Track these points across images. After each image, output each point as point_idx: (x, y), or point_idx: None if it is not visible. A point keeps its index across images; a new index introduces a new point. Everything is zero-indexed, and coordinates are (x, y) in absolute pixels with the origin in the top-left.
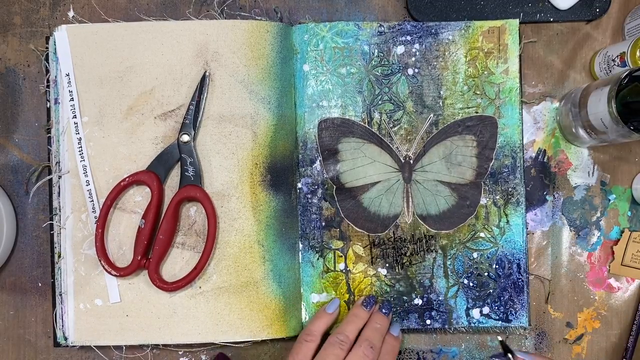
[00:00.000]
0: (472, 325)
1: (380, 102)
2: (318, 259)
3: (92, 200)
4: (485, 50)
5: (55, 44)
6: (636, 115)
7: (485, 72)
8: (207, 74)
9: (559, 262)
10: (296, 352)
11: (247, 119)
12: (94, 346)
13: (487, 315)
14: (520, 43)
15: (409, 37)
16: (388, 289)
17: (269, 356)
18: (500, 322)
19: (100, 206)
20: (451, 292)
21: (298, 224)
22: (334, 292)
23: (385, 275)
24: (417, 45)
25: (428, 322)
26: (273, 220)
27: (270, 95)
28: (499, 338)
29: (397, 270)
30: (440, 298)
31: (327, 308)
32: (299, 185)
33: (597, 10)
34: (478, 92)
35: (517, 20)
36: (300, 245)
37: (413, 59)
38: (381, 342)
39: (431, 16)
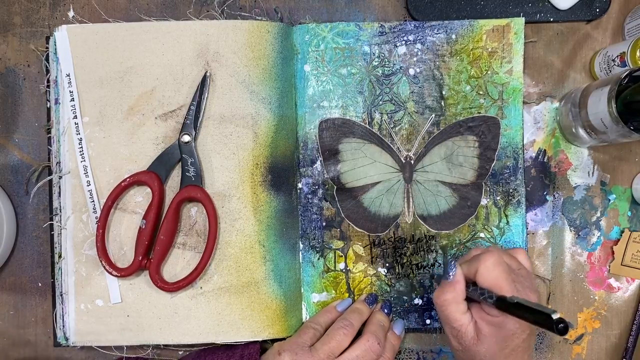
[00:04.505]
0: None
1: (381, 102)
2: (319, 258)
3: (93, 201)
4: (490, 49)
5: (55, 44)
6: (636, 115)
7: (489, 72)
8: (207, 74)
9: (559, 262)
10: (301, 334)
11: (248, 119)
12: (96, 346)
13: None
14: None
15: (411, 37)
16: (388, 289)
17: None
18: None
19: (101, 206)
20: None
21: (299, 224)
22: (334, 292)
23: (385, 275)
24: (419, 45)
25: (428, 322)
26: (274, 220)
27: (271, 95)
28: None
29: (397, 270)
30: None
31: (337, 306)
32: (300, 185)
33: (597, 10)
34: (481, 93)
35: (523, 19)
36: (301, 245)
37: (415, 59)
38: (385, 339)
39: (431, 16)
